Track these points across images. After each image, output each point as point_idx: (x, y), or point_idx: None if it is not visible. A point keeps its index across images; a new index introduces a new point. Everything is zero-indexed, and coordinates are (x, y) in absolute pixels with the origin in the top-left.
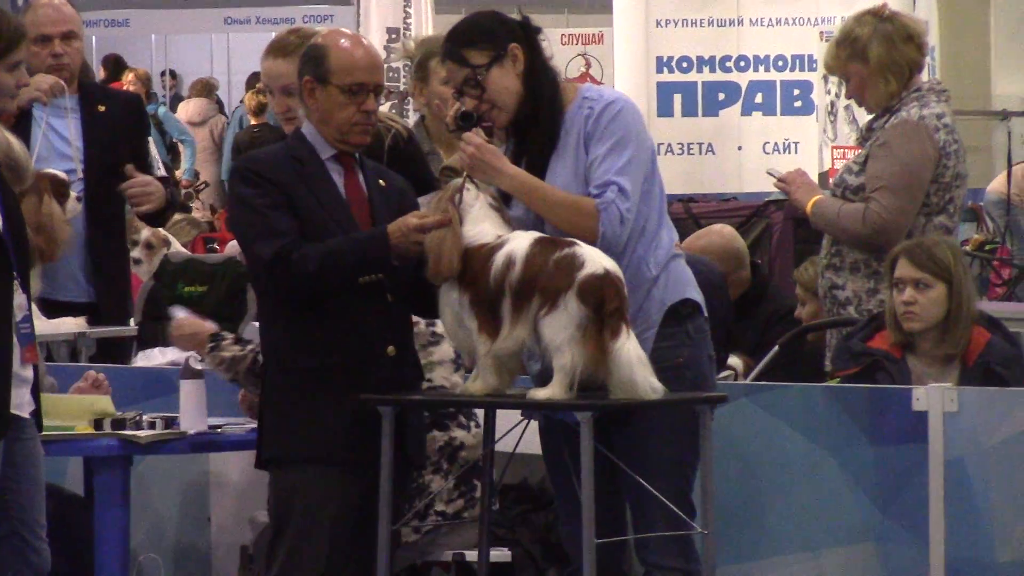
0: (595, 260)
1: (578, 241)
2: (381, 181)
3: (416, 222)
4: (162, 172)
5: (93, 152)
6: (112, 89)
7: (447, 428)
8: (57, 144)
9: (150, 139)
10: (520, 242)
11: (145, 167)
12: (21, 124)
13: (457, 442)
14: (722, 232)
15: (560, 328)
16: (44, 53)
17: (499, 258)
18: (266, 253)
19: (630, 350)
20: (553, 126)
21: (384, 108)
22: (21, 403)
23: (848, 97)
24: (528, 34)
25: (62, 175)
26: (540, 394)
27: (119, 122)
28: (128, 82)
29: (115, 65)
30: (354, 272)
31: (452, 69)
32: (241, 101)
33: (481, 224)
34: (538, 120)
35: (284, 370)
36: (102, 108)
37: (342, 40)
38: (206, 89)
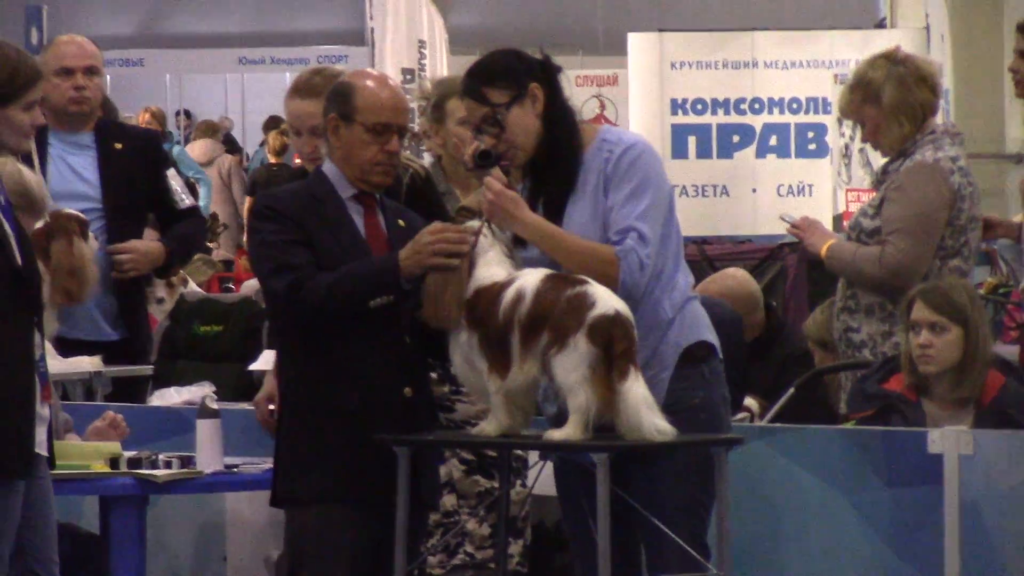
0: (606, 300)
1: (590, 280)
2: (400, 221)
3: (429, 238)
4: (187, 203)
5: (110, 190)
6: (129, 126)
7: (492, 477)
8: (72, 181)
9: (172, 172)
10: (530, 278)
11: (167, 203)
12: (40, 161)
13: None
14: (736, 275)
15: (572, 368)
16: (66, 86)
17: (508, 293)
18: (280, 286)
19: (637, 392)
20: (571, 167)
21: None
22: (40, 442)
23: (863, 140)
24: (548, 73)
25: (82, 215)
26: (557, 435)
27: (136, 159)
28: (144, 121)
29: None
30: (365, 295)
31: (471, 107)
32: (262, 143)
33: (492, 268)
34: (556, 161)
35: (301, 409)
36: (119, 145)
37: (369, 79)
38: (210, 130)
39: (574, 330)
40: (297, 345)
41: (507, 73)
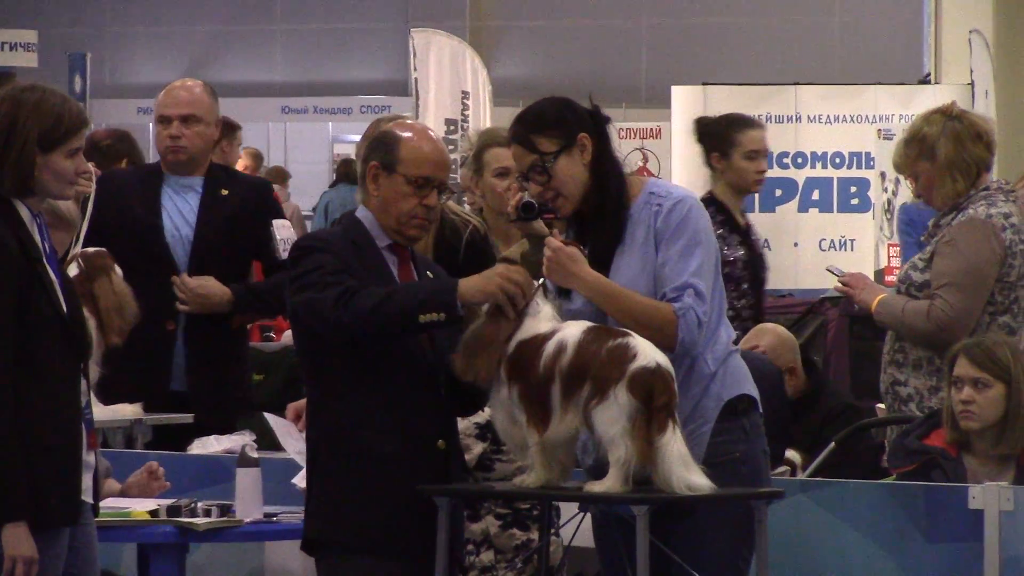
0: (647, 353)
1: (632, 332)
2: (429, 273)
3: (501, 270)
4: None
5: (204, 233)
6: (241, 175)
7: (528, 529)
8: (174, 221)
9: (281, 223)
10: (572, 330)
11: (268, 252)
12: (151, 198)
13: (535, 544)
14: (776, 330)
15: (612, 420)
16: (164, 134)
17: (550, 346)
18: (330, 295)
19: (673, 448)
20: (619, 219)
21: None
22: (86, 488)
23: (916, 196)
24: (598, 124)
25: (103, 250)
26: (597, 487)
27: (240, 207)
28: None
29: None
30: (418, 308)
31: (519, 154)
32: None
33: (540, 324)
34: (604, 212)
35: (336, 452)
36: (225, 192)
37: (414, 131)
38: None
39: (615, 382)
40: (331, 387)
41: (557, 122)
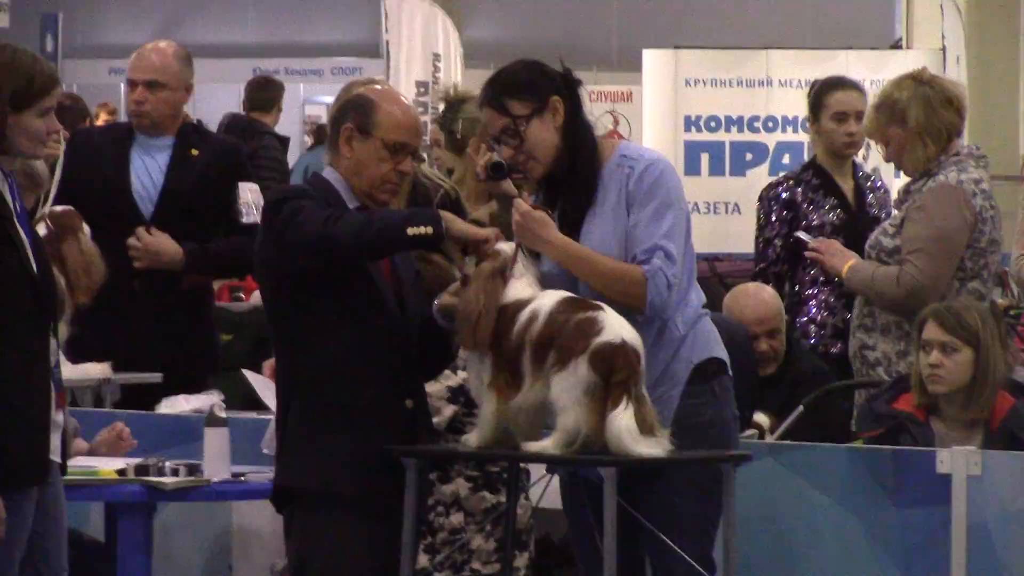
0: (614, 328)
1: (604, 306)
2: None
3: (474, 229)
4: (251, 219)
5: (170, 193)
6: (214, 135)
7: (498, 491)
8: (142, 181)
9: (249, 186)
10: (547, 299)
11: (230, 214)
12: (121, 157)
13: (504, 507)
14: (760, 295)
15: (568, 389)
16: (130, 98)
17: (524, 314)
18: (321, 215)
19: (621, 422)
20: (591, 182)
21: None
22: (54, 448)
23: (887, 161)
24: (569, 87)
25: (71, 209)
26: (534, 446)
27: (210, 167)
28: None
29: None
30: (405, 223)
31: (491, 117)
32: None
33: (521, 290)
34: (575, 175)
35: (309, 403)
36: (195, 152)
37: (389, 96)
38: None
39: (578, 353)
40: (303, 344)
41: (529, 85)
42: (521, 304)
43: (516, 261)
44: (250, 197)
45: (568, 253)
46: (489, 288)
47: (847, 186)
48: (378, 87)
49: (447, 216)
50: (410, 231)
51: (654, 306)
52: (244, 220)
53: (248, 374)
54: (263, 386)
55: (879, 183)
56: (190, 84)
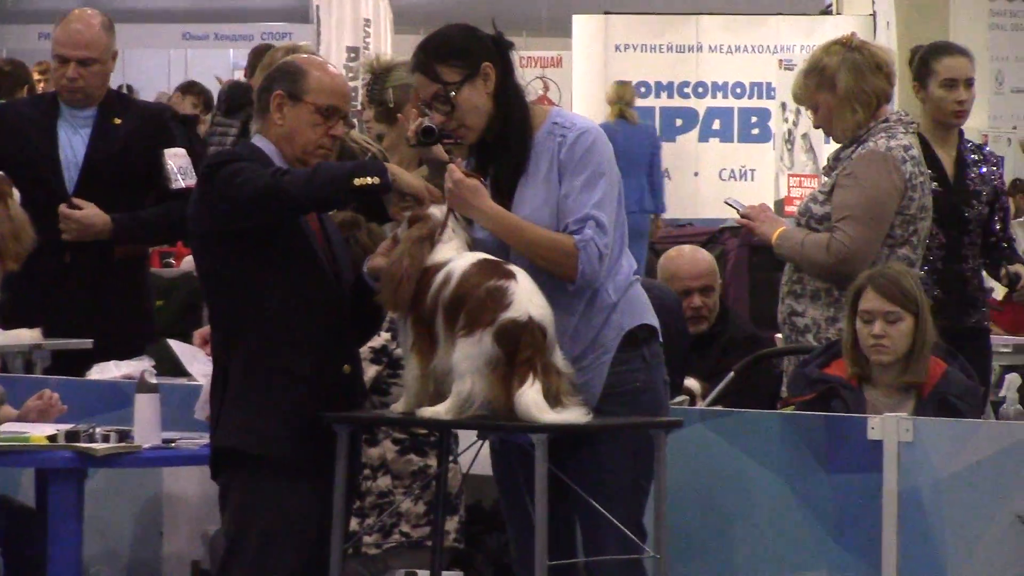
0: (522, 303)
1: (517, 274)
2: None
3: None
4: (181, 185)
5: (93, 162)
6: (137, 102)
7: (425, 455)
8: (67, 152)
9: (175, 151)
10: (461, 261)
11: (160, 180)
12: (48, 129)
13: (432, 470)
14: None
15: (469, 357)
16: (59, 73)
17: (439, 276)
18: (264, 174)
19: (529, 397)
20: (523, 149)
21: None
22: None
23: (816, 127)
24: (501, 51)
25: (1, 174)
26: (428, 412)
27: (133, 135)
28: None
29: None
30: (351, 173)
31: (423, 83)
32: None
33: (447, 252)
34: (507, 142)
35: (248, 368)
36: (118, 120)
37: (317, 62)
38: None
39: (483, 324)
40: (241, 307)
41: (461, 51)
42: (437, 266)
43: (446, 226)
44: (178, 163)
45: (500, 222)
46: (414, 252)
47: (948, 158)
48: (303, 55)
49: (393, 168)
50: (356, 181)
51: (585, 276)
52: (173, 186)
53: (173, 343)
54: (188, 355)
55: (992, 158)
56: (115, 51)
